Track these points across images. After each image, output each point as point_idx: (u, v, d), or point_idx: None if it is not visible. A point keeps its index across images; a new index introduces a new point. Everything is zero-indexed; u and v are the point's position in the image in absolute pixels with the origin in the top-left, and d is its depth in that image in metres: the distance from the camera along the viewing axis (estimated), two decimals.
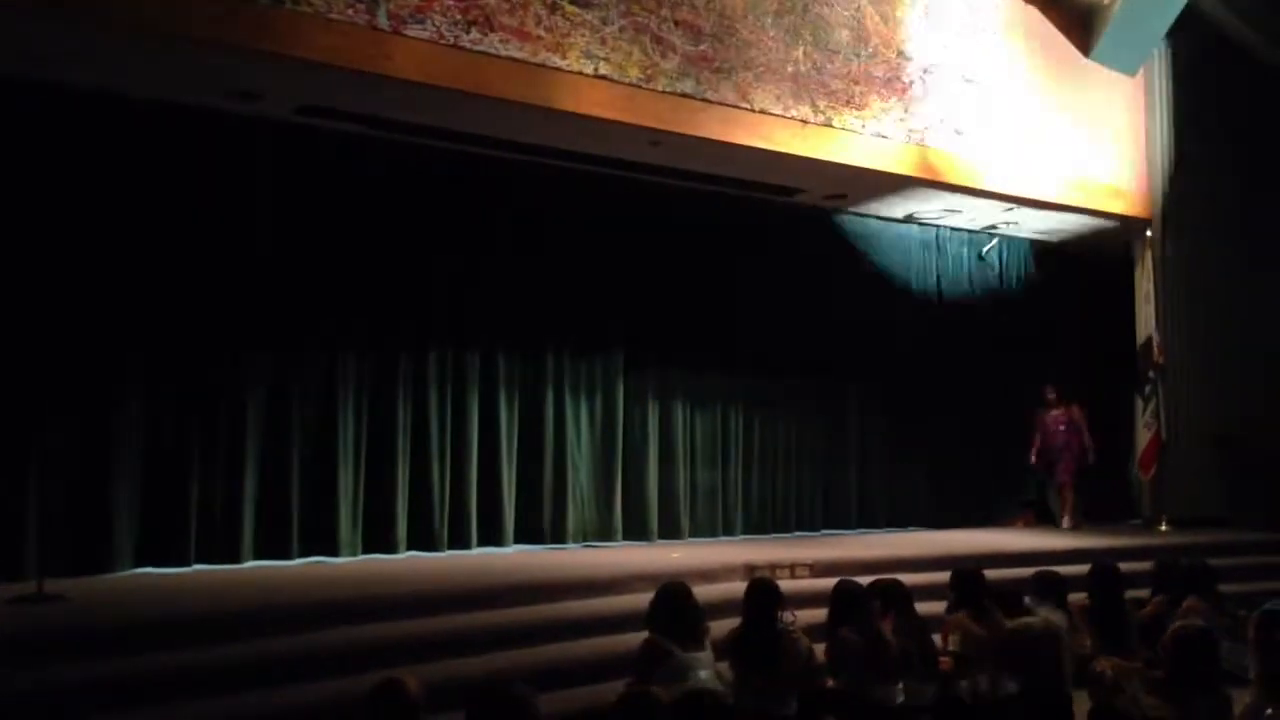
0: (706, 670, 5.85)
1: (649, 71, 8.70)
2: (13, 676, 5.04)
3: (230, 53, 7.06)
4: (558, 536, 9.61)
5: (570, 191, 9.69)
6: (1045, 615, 6.09)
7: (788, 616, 6.21)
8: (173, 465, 7.93)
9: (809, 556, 8.61)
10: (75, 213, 7.54)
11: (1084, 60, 11.84)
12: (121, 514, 7.67)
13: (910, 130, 10.30)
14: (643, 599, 6.26)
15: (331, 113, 8.23)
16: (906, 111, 10.29)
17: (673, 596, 6.02)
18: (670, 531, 10.26)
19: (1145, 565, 8.61)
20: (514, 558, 8.91)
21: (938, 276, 12.26)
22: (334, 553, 8.50)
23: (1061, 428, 11.96)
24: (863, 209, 11.43)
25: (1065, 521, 11.95)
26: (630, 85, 8.60)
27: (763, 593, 6.31)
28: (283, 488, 8.38)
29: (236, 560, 8.08)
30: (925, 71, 10.46)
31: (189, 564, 7.88)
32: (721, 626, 6.56)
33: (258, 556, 8.21)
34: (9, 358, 7.09)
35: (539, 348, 9.68)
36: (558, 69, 8.26)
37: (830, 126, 9.74)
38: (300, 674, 5.62)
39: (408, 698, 3.97)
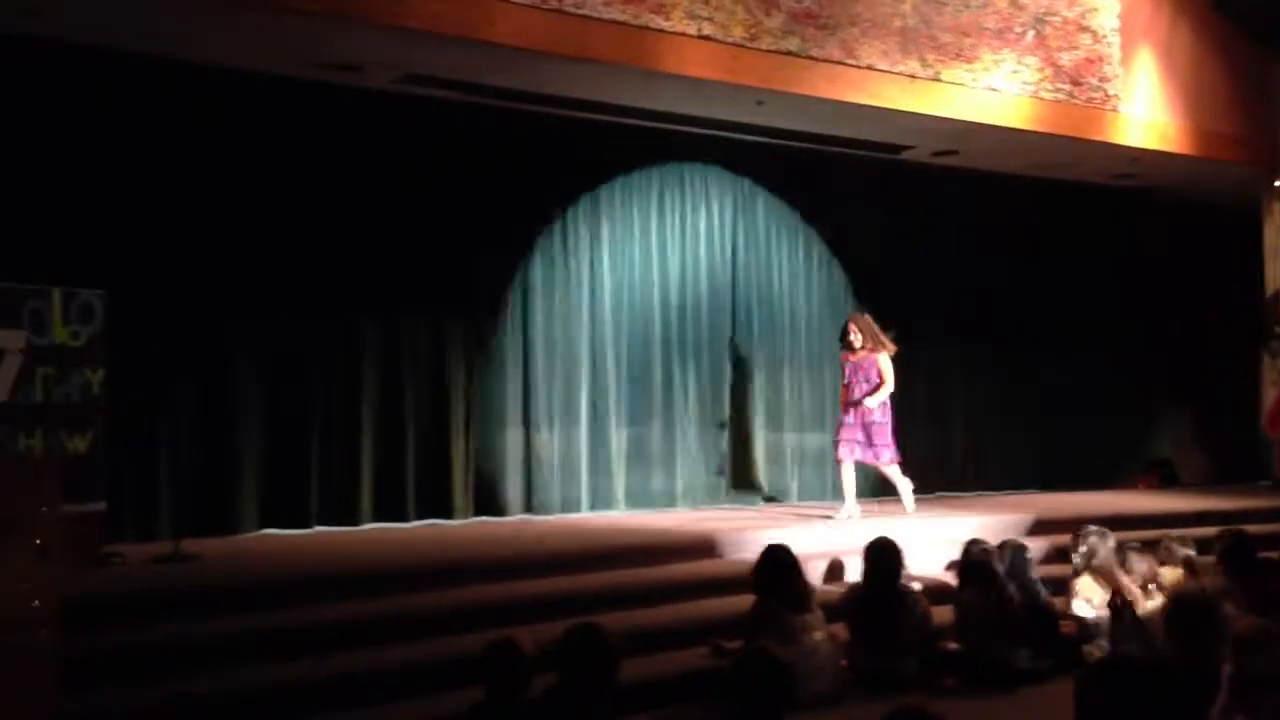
0: (820, 632, 5.83)
1: (753, 30, 8.59)
2: (156, 631, 5.26)
3: (334, 23, 7.11)
4: (667, 500, 9.63)
5: (671, 155, 9.70)
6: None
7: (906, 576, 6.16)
8: (294, 431, 8.14)
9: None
10: (191, 186, 7.76)
11: (1208, 9, 11.36)
12: (247, 478, 7.92)
13: (1023, 82, 10.01)
14: (751, 562, 6.26)
15: (431, 81, 8.29)
16: (1019, 63, 9.99)
17: (777, 559, 6.00)
18: (779, 494, 10.21)
19: (1276, 527, 8.33)
20: (624, 520, 8.96)
21: (1055, 231, 11.89)
22: (448, 515, 8.66)
23: (850, 381, 8.77)
24: (973, 164, 11.14)
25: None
26: (734, 45, 8.50)
27: (883, 552, 6.26)
28: (398, 452, 8.55)
29: (355, 522, 8.28)
30: (1039, 21, 10.13)
31: (310, 526, 8.11)
32: (832, 589, 6.53)
33: (376, 519, 8.39)
34: (137, 328, 7.31)
35: (645, 310, 9.70)
36: (660, 30, 8.18)
37: (939, 81, 9.51)
38: (416, 632, 5.74)
39: (522, 655, 4.03)
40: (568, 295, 9.37)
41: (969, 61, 9.68)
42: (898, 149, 10.51)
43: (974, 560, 6.32)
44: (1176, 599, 4.52)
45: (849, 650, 6.03)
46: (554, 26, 7.74)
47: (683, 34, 8.27)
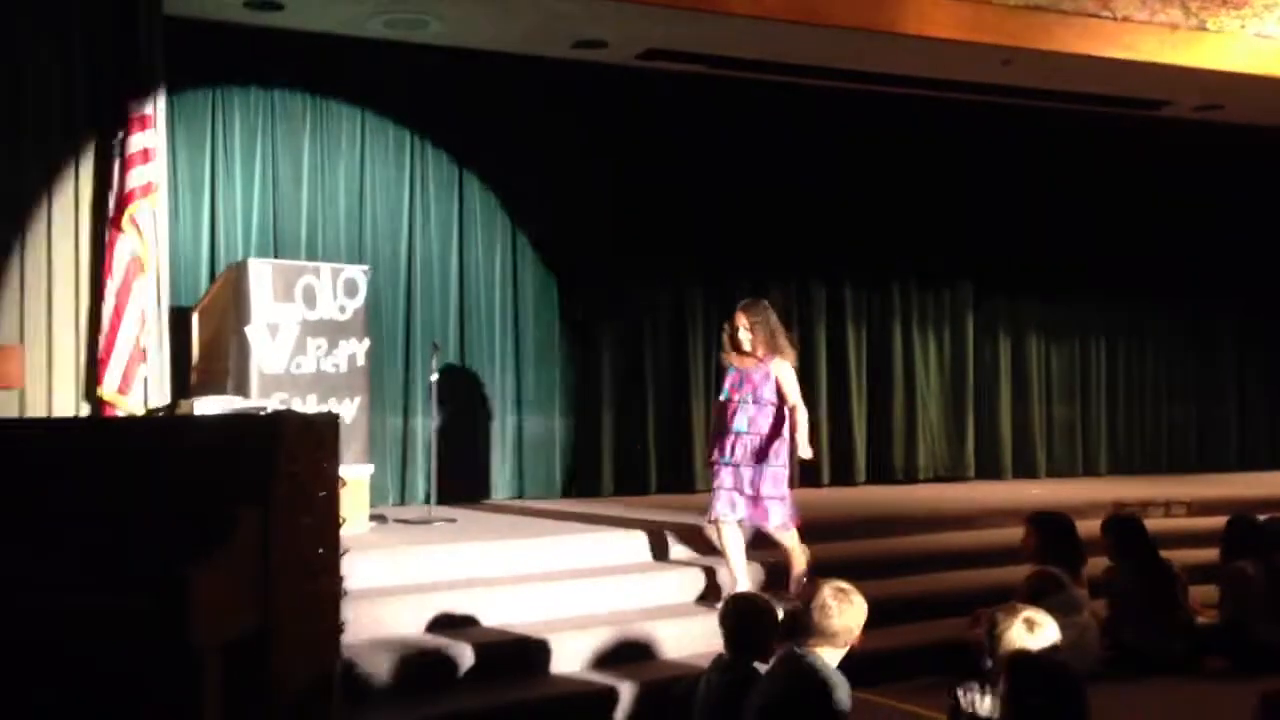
0: (1087, 608, 5.61)
1: None
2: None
3: (580, 2, 7.29)
4: (909, 474, 9.47)
5: (911, 118, 9.47)
6: None
7: None
8: (539, 408, 8.49)
9: (1185, 495, 8.06)
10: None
11: None
12: (495, 451, 8.32)
13: None
14: (1001, 534, 6.08)
15: (670, 55, 8.37)
16: None
17: (1062, 528, 5.73)
18: (1026, 469, 9.92)
19: None
20: (866, 493, 8.86)
21: None
22: (688, 489, 8.70)
23: (735, 395, 5.85)
24: (1240, 118, 10.40)
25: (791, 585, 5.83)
26: (978, 2, 8.20)
27: (1130, 529, 5.97)
28: (639, 424, 8.77)
29: (597, 494, 8.53)
30: None
31: (556, 496, 8.41)
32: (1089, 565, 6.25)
33: (618, 492, 8.61)
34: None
35: (885, 280, 9.57)
36: None
37: (1204, 29, 8.91)
38: None
39: (763, 605, 4.07)
40: None
41: (1237, 7, 9.03)
42: (1156, 104, 9.92)
43: (1243, 531, 5.93)
44: None
45: (1110, 628, 5.77)
46: None
47: None
